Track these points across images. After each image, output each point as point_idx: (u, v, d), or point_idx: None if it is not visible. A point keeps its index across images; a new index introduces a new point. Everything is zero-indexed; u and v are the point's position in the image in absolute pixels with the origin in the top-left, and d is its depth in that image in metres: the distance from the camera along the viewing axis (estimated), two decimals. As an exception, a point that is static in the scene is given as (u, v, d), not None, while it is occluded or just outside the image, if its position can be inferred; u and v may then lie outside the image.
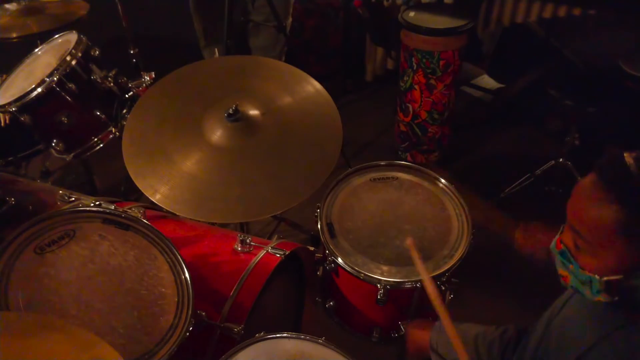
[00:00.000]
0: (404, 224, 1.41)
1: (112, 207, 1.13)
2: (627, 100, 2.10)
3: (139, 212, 1.21)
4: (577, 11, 2.24)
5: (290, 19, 3.07)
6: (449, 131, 2.72)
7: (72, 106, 1.73)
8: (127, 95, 1.87)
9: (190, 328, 1.08)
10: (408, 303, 1.36)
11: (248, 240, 1.35)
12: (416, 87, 2.53)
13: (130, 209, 1.24)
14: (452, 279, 1.38)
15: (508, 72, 3.22)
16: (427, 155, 2.75)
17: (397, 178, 1.54)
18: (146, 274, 1.11)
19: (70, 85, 1.69)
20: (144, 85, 1.88)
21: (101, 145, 1.83)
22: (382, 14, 2.84)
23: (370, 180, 1.54)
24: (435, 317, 1.26)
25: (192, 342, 1.10)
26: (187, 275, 1.11)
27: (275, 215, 2.22)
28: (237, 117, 1.39)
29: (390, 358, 1.60)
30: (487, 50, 3.26)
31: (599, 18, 2.28)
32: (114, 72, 1.85)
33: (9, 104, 1.65)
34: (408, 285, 1.30)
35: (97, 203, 1.16)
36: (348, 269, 1.32)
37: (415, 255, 1.24)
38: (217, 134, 1.39)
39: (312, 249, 1.52)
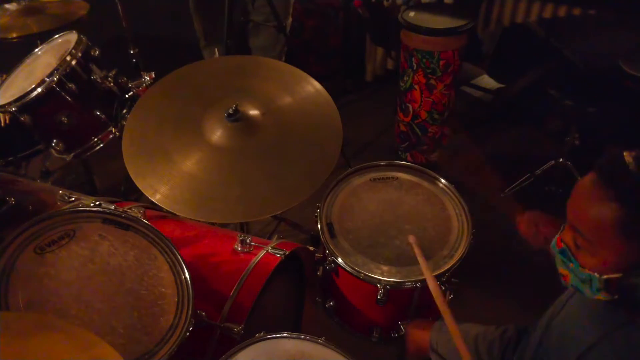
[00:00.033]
0: (404, 224, 1.41)
1: (112, 207, 1.12)
2: (627, 100, 2.10)
3: (139, 212, 1.21)
4: (577, 11, 2.24)
5: (290, 19, 3.06)
6: (448, 131, 2.72)
7: (72, 106, 1.73)
8: (127, 95, 1.88)
9: (190, 328, 1.08)
10: (408, 303, 1.36)
11: (248, 240, 1.35)
12: (416, 87, 2.53)
13: (130, 209, 1.24)
14: (452, 279, 1.38)
15: (508, 72, 3.22)
16: (427, 155, 2.75)
17: (397, 178, 1.54)
18: (146, 274, 1.11)
19: (70, 85, 1.69)
20: (144, 85, 1.88)
21: (101, 145, 1.83)
22: (382, 13, 2.84)
23: (370, 180, 1.54)
24: (435, 317, 1.26)
25: (192, 342, 1.09)
26: (187, 275, 1.10)
27: (275, 215, 2.22)
28: (237, 117, 1.39)
29: (390, 358, 1.60)
30: (487, 50, 3.26)
31: (599, 18, 2.28)
32: (114, 72, 1.85)
33: (9, 104, 1.65)
34: (408, 285, 1.30)
35: (97, 203, 1.15)
36: (348, 269, 1.32)
37: (417, 253, 1.24)
38: (217, 134, 1.39)
39: (312, 249, 1.52)
